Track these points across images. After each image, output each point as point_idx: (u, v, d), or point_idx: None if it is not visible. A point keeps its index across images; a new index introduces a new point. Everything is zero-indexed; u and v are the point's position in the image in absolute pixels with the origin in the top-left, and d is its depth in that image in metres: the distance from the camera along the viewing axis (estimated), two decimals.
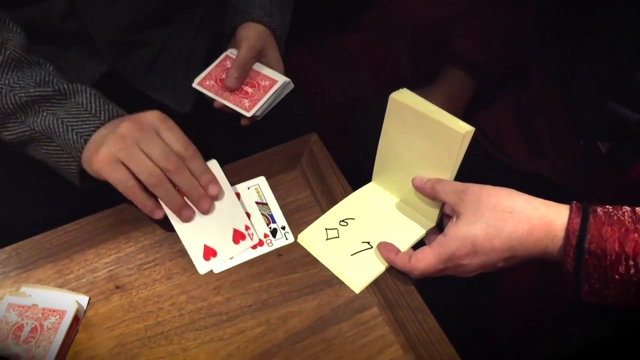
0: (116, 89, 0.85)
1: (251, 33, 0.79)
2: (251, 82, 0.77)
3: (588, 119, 0.71)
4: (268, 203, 0.70)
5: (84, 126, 0.65)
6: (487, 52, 0.85)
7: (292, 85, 0.79)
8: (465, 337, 0.67)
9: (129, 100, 0.88)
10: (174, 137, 0.64)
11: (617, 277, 0.53)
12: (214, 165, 0.68)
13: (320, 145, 0.76)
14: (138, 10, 0.81)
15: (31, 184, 0.83)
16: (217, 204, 0.67)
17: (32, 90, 0.66)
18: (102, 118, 0.66)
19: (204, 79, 0.79)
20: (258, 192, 0.71)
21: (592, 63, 0.69)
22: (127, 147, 0.62)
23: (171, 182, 0.64)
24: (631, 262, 0.52)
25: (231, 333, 0.61)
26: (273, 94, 0.76)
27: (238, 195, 0.71)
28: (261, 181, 0.72)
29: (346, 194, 0.71)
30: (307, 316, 0.62)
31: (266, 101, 0.76)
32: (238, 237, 0.67)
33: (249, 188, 0.72)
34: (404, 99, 0.64)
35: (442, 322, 0.62)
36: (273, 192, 0.72)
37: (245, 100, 0.76)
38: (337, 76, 0.73)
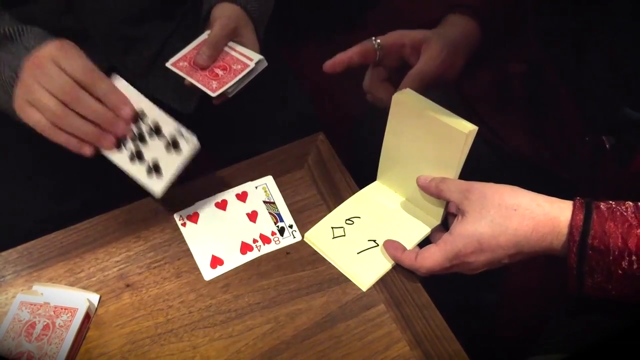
0: None
1: (225, 12, 0.78)
2: (223, 65, 0.77)
3: (596, 116, 0.71)
4: (275, 202, 0.71)
5: (15, 61, 0.63)
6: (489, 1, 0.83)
7: (265, 63, 0.77)
8: (470, 334, 0.67)
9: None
10: (73, 66, 0.61)
11: (620, 272, 0.54)
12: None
13: (327, 145, 0.76)
14: (133, 2, 0.82)
15: (38, 181, 0.84)
16: (227, 216, 0.68)
17: None
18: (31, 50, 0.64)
19: (179, 59, 0.78)
20: (265, 191, 0.72)
21: (599, 62, 0.69)
22: (28, 88, 0.61)
23: None
24: (634, 257, 0.53)
25: (240, 330, 0.62)
26: (243, 76, 0.76)
27: (246, 194, 0.72)
28: (268, 180, 0.73)
29: (352, 192, 0.72)
30: (315, 313, 0.63)
31: (235, 82, 0.75)
32: (246, 248, 0.68)
33: (256, 187, 0.73)
34: (407, 99, 0.65)
35: (447, 320, 0.62)
36: (280, 191, 0.72)
37: (214, 82, 0.75)
38: (343, 75, 0.74)
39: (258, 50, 0.79)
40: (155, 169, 0.65)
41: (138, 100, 0.65)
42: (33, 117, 0.62)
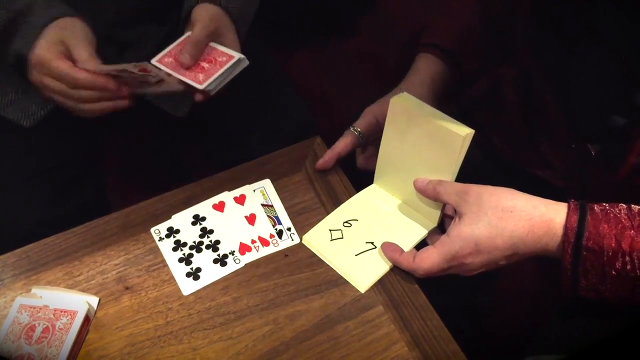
0: None
1: (205, 13, 0.79)
2: (208, 59, 0.78)
3: (582, 124, 0.73)
4: (273, 205, 0.72)
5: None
6: (463, 38, 0.85)
7: (247, 62, 0.79)
8: (464, 336, 0.68)
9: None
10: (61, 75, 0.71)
11: (614, 272, 0.55)
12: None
13: (324, 149, 0.77)
14: (122, 5, 0.82)
15: (35, 185, 0.84)
16: (226, 219, 0.69)
17: None
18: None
19: (163, 56, 0.79)
20: (264, 195, 0.73)
21: (589, 69, 0.71)
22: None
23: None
24: (627, 258, 0.54)
25: (239, 332, 0.62)
26: (228, 68, 0.77)
27: (244, 197, 0.72)
28: (266, 184, 0.74)
29: (350, 196, 0.73)
30: (314, 315, 0.63)
31: (220, 75, 0.76)
32: (244, 249, 0.68)
33: (254, 190, 0.73)
34: (404, 103, 0.66)
35: (442, 321, 0.63)
36: (278, 194, 0.73)
37: (200, 75, 0.76)
38: (338, 80, 0.75)
39: (239, 50, 0.80)
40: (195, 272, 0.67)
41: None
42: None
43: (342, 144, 0.75)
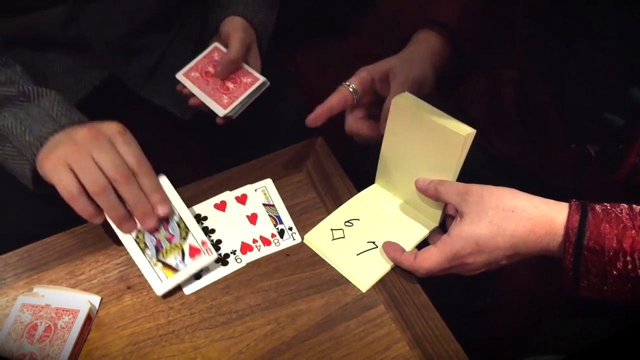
0: (117, 95, 0.87)
1: (239, 26, 0.78)
2: (233, 78, 0.77)
3: (580, 124, 0.73)
4: (275, 204, 0.72)
5: (42, 129, 0.64)
6: (463, 19, 0.84)
7: (268, 84, 0.78)
8: (464, 336, 0.68)
9: (130, 106, 0.89)
10: (129, 151, 0.63)
11: (615, 272, 0.55)
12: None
13: (325, 149, 0.77)
14: (135, 16, 0.82)
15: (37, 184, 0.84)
16: (227, 218, 0.68)
17: None
18: (62, 122, 0.65)
19: (190, 70, 0.78)
20: (265, 194, 0.73)
21: (585, 68, 0.71)
22: (77, 153, 0.61)
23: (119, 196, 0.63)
24: (629, 258, 0.54)
25: (241, 331, 0.62)
26: (251, 92, 0.76)
27: (245, 197, 0.72)
28: (268, 183, 0.74)
29: (351, 195, 0.73)
30: (316, 314, 0.63)
31: (243, 100, 0.76)
32: (246, 249, 0.68)
33: (256, 190, 0.73)
34: (406, 103, 0.66)
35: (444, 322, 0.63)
36: (280, 193, 0.73)
37: (225, 97, 0.76)
38: (338, 80, 0.75)
39: (260, 68, 0.80)
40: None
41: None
42: (64, 177, 0.61)
43: (335, 98, 0.72)
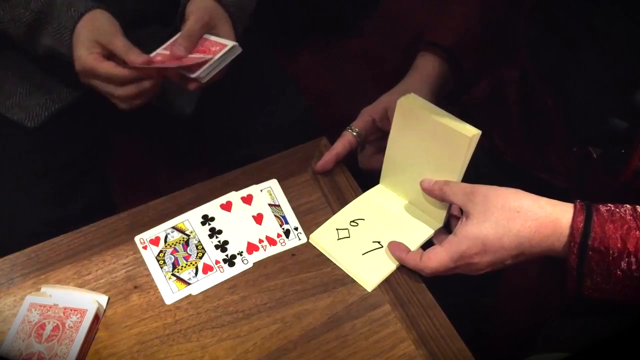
0: None
1: (199, 4, 0.80)
2: (201, 49, 0.78)
3: (582, 127, 0.73)
4: (280, 205, 0.72)
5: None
6: (463, 38, 0.85)
7: (240, 50, 0.79)
8: (468, 335, 0.69)
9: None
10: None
11: (619, 273, 0.55)
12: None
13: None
14: (131, 9, 0.83)
15: (41, 185, 0.84)
16: (233, 218, 0.69)
17: None
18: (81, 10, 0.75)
19: (155, 55, 0.79)
20: (270, 194, 0.73)
21: (588, 70, 0.71)
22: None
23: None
24: (633, 258, 0.55)
25: (248, 330, 0.63)
26: (220, 56, 0.77)
27: (251, 197, 0.73)
28: (273, 184, 0.74)
29: (356, 195, 0.73)
30: (322, 313, 0.64)
31: (212, 63, 0.76)
32: (252, 248, 0.69)
33: (261, 190, 0.74)
34: (411, 103, 0.66)
35: None
36: (285, 194, 0.74)
37: (193, 64, 0.76)
38: (340, 80, 0.75)
39: (233, 40, 0.80)
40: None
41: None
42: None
43: (340, 144, 0.75)
